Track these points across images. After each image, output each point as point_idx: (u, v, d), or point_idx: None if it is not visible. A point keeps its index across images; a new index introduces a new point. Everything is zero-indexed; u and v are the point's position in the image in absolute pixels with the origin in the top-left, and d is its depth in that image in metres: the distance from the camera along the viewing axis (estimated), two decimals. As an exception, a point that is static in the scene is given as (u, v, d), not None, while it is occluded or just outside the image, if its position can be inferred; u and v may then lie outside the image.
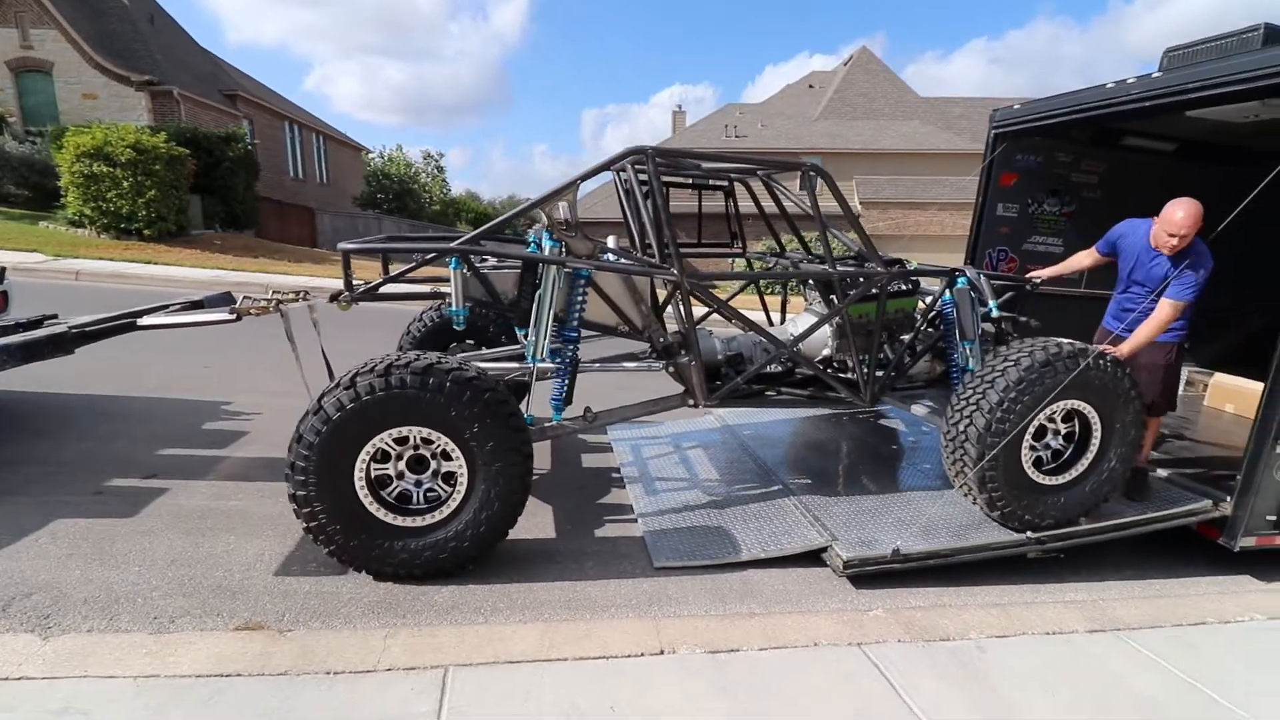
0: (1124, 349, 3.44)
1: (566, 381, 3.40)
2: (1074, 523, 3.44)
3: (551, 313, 3.18)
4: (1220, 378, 5.76)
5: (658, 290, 3.67)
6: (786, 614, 2.87)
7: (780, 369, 3.95)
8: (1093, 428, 3.38)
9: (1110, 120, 4.91)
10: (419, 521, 2.81)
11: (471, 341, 4.57)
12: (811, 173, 3.71)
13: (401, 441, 2.76)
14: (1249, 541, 3.48)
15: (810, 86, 26.47)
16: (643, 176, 3.53)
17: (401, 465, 2.81)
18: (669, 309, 3.71)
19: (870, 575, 3.20)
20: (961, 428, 3.30)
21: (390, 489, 2.82)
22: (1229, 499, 3.50)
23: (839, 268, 3.66)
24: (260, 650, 2.33)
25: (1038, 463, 3.37)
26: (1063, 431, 3.40)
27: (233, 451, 4.18)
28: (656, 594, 2.98)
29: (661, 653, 2.50)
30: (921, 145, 23.03)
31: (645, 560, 3.24)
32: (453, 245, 3.17)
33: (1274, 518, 3.51)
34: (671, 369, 3.74)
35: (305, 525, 2.67)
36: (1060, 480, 3.40)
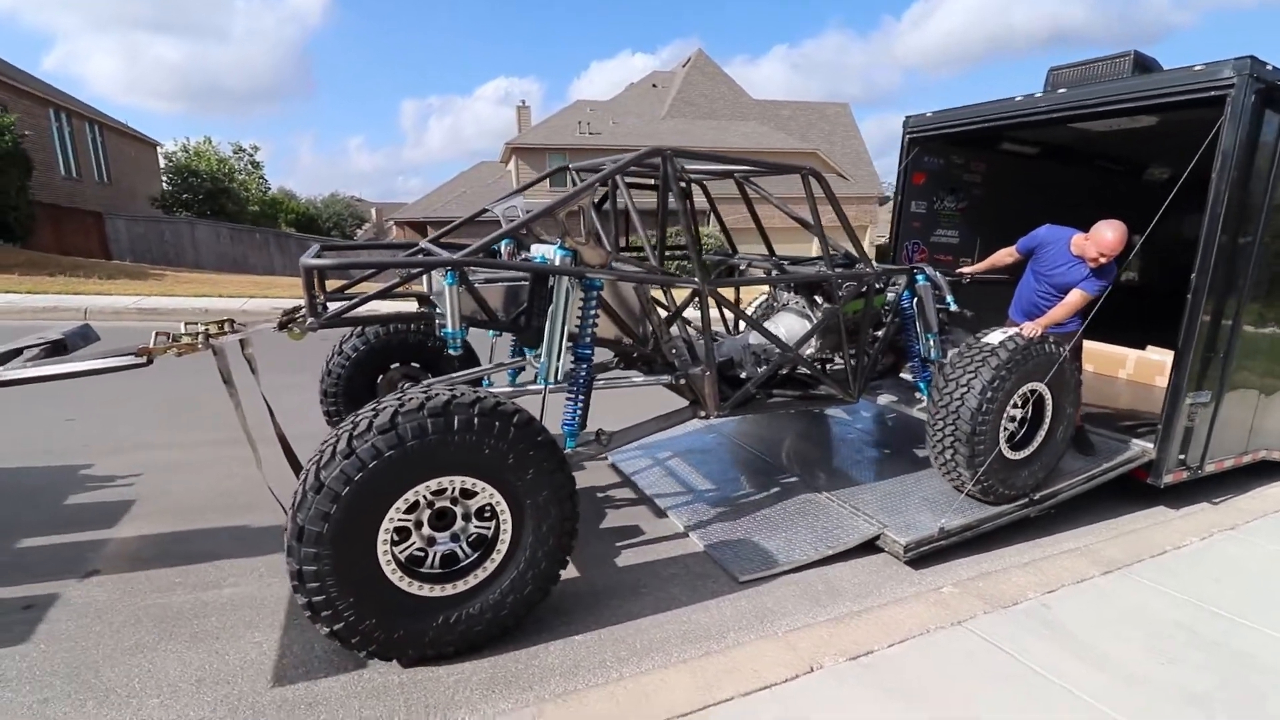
0: (1037, 326, 3.90)
1: (581, 404, 3.11)
2: (1043, 486, 3.94)
3: (565, 329, 2.93)
4: (1140, 354, 6.44)
5: (661, 298, 3.56)
6: (882, 607, 2.97)
7: (782, 373, 4.02)
8: (1046, 404, 3.80)
9: (1014, 129, 5.69)
10: (451, 589, 2.37)
11: (417, 365, 4.13)
12: (810, 176, 3.79)
13: (437, 495, 2.33)
14: (1169, 479, 4.26)
15: (654, 86, 27.30)
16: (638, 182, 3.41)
17: (426, 525, 2.38)
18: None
19: (923, 555, 3.42)
20: (950, 416, 3.54)
21: (406, 549, 2.34)
22: (1153, 445, 4.25)
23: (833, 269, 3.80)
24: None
25: (1009, 440, 3.71)
26: (1019, 412, 3.75)
27: (136, 528, 3.34)
28: (759, 609, 2.92)
29: (811, 670, 2.47)
30: (760, 144, 24.81)
31: (722, 575, 3.17)
32: (451, 258, 2.75)
33: (1182, 457, 4.32)
34: (682, 380, 3.54)
35: (308, 603, 2.14)
36: (1024, 454, 3.77)
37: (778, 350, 4.06)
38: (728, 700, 2.28)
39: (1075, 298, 3.93)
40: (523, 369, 3.80)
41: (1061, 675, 2.52)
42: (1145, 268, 8.34)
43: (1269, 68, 3.80)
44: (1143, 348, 6.47)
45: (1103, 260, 3.88)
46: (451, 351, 2.88)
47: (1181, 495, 4.56)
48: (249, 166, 22.72)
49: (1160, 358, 6.30)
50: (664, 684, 2.34)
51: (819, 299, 4.21)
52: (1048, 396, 3.77)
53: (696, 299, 3.42)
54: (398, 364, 4.07)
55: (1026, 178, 6.68)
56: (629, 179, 3.98)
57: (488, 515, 2.44)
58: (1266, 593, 3.28)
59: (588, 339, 2.98)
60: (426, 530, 2.36)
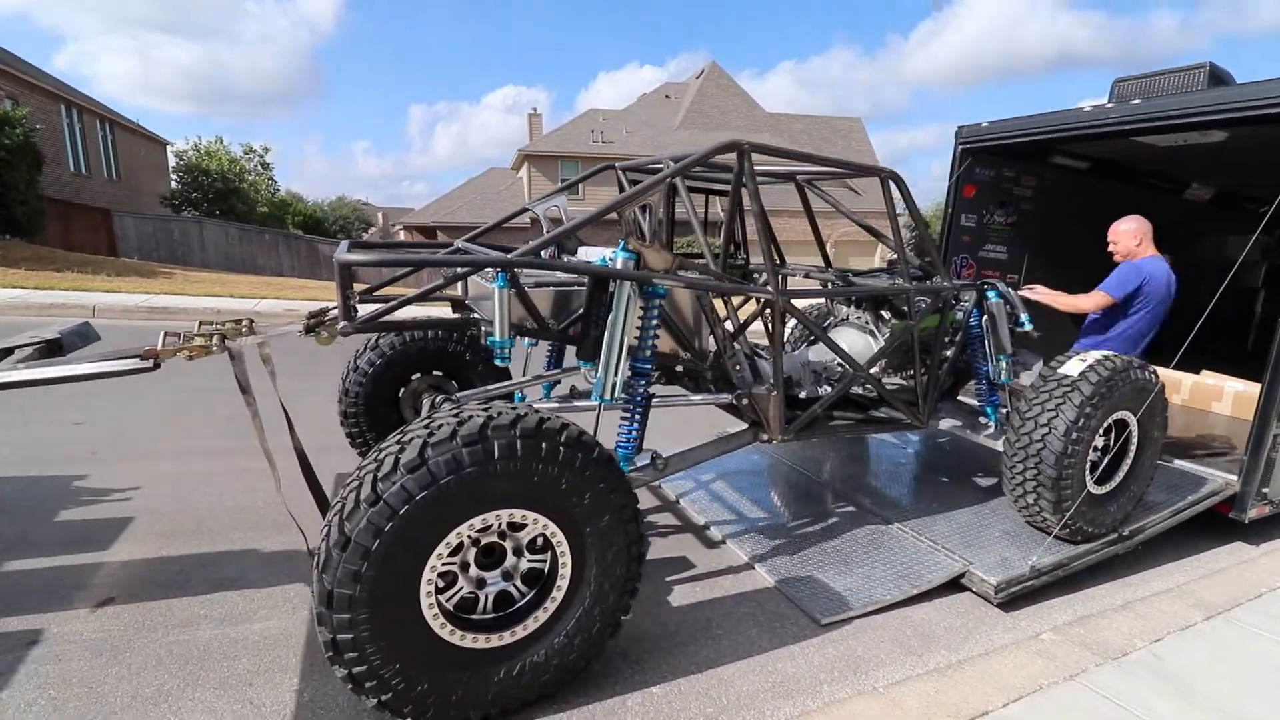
0: (1041, 296, 3.86)
1: (638, 424, 2.79)
2: (1130, 521, 3.64)
3: (625, 341, 2.55)
4: (1195, 378, 6.17)
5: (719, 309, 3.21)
6: (984, 658, 2.68)
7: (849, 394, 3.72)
8: (1132, 435, 3.50)
9: (1072, 142, 5.45)
10: (510, 636, 2.07)
11: (440, 374, 3.83)
12: (891, 179, 3.49)
13: (482, 532, 2.02)
14: (1253, 513, 3.98)
15: (666, 97, 27.18)
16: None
17: (473, 566, 2.07)
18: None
19: (1014, 596, 3.13)
20: (1030, 460, 3.24)
21: (454, 595, 2.04)
22: (1236, 478, 3.97)
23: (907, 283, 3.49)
24: None
25: (1093, 473, 3.39)
26: (1103, 440, 3.43)
27: (154, 548, 3.03)
28: (849, 657, 2.63)
29: (927, 734, 2.17)
30: (775, 159, 24.64)
31: (799, 616, 2.87)
32: (505, 258, 2.42)
33: (1265, 491, 4.05)
34: (744, 400, 3.16)
35: (349, 675, 1.83)
36: (1109, 487, 3.47)
37: (838, 369, 3.80)
38: (841, 772, 1.98)
39: (1093, 296, 4.01)
40: (558, 382, 3.55)
41: (1206, 745, 2.23)
42: (1188, 291, 8.10)
43: (1376, 79, 3.55)
44: (1197, 372, 6.21)
45: (1111, 249, 4.05)
46: (499, 363, 2.61)
47: (1260, 531, 4.28)
48: (259, 167, 22.52)
49: (1215, 383, 6.04)
50: (767, 750, 2.05)
51: (885, 314, 3.91)
52: (1134, 426, 3.48)
53: (767, 311, 3.15)
54: (420, 375, 3.78)
55: (1074, 193, 6.45)
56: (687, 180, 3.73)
57: (540, 547, 2.13)
58: (1395, 646, 2.99)
59: (648, 352, 2.69)
60: (474, 572, 2.05)
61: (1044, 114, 5.20)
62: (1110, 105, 4.74)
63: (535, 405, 2.23)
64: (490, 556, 2.08)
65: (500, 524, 2.01)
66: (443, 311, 4.00)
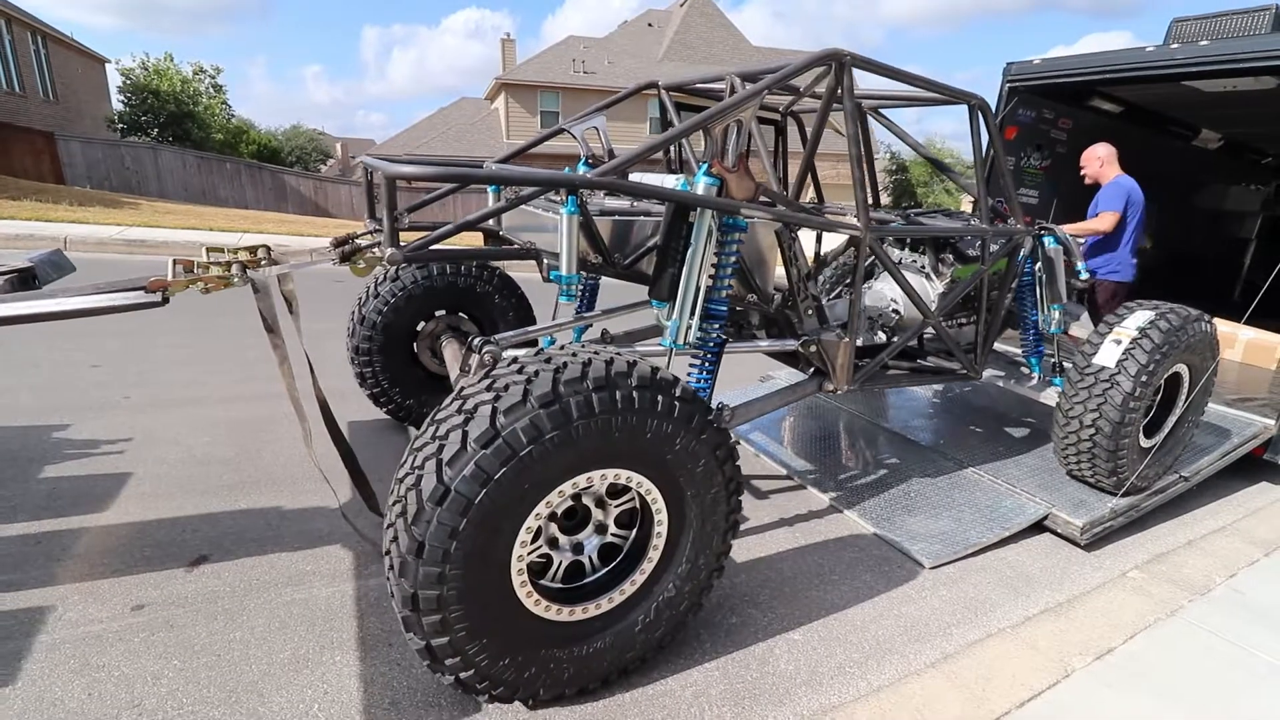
0: (1067, 228, 3.92)
1: (710, 371, 2.56)
2: (1183, 466, 3.69)
3: (704, 279, 2.27)
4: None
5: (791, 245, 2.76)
6: (1088, 596, 2.75)
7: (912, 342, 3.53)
8: (1182, 386, 3.49)
9: (1123, 83, 5.34)
10: (593, 609, 1.89)
11: (464, 315, 3.63)
12: (979, 109, 3.19)
13: (574, 493, 1.80)
14: (1285, 454, 4.16)
15: (650, 25, 25.78)
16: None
17: (561, 534, 1.91)
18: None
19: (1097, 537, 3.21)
20: (1097, 396, 3.15)
21: (538, 565, 1.87)
22: (1275, 422, 4.11)
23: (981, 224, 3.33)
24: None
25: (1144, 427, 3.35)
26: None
27: (231, 500, 2.85)
28: (965, 600, 2.66)
29: (1068, 674, 2.22)
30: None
31: (902, 559, 2.89)
32: (584, 177, 2.09)
33: (1297, 435, 4.21)
34: (812, 347, 2.88)
35: (425, 645, 1.66)
36: (1155, 440, 3.41)
37: (894, 315, 3.66)
38: (1006, 715, 2.01)
39: (1103, 219, 4.47)
40: (589, 326, 3.22)
41: (1318, 675, 2.35)
42: (1189, 237, 8.26)
43: None
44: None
45: (1085, 173, 4.71)
46: (564, 300, 2.25)
47: (1277, 473, 4.48)
48: (211, 89, 20.67)
49: (1229, 331, 6.22)
50: (928, 695, 2.05)
51: (948, 257, 3.70)
52: (1186, 377, 3.48)
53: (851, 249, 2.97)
54: (444, 311, 3.58)
55: (1103, 138, 6.40)
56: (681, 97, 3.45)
57: (628, 498, 1.95)
58: None
59: (724, 293, 2.40)
60: (565, 538, 1.89)
61: (1101, 52, 5.08)
62: (1175, 46, 4.62)
63: (615, 350, 1.89)
64: (573, 519, 1.91)
65: (600, 487, 1.83)
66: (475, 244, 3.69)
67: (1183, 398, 3.53)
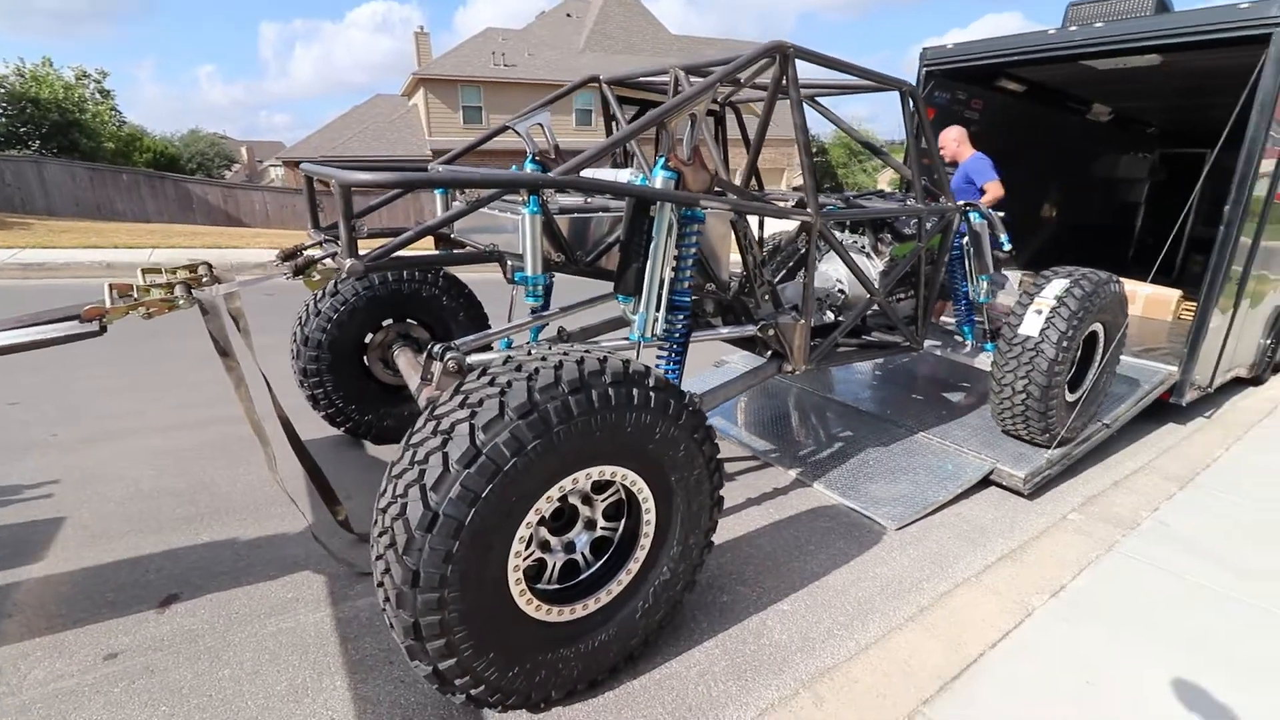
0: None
1: (677, 363, 2.56)
2: (1105, 414, 4.08)
3: (667, 271, 2.31)
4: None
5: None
6: (1035, 541, 2.99)
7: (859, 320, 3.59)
8: (1099, 343, 3.80)
9: (1028, 65, 5.72)
10: (593, 604, 1.91)
11: (414, 322, 3.51)
12: (909, 95, 3.35)
13: (560, 494, 1.77)
14: (1189, 397, 4.63)
15: (568, 15, 25.36)
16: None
17: (551, 535, 1.90)
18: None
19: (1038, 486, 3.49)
20: (1025, 363, 3.39)
21: (534, 569, 1.85)
22: (1177, 368, 4.56)
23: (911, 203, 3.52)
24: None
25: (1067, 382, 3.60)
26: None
27: (193, 534, 2.72)
28: (931, 555, 2.85)
29: (1030, 613, 2.43)
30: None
31: (870, 525, 3.06)
32: (545, 176, 2.08)
33: (1196, 379, 4.69)
34: (770, 331, 2.96)
35: (433, 669, 1.63)
36: (1079, 395, 3.72)
37: (840, 295, 3.85)
38: (982, 656, 2.18)
39: (992, 189, 4.79)
40: (546, 325, 3.16)
41: (1222, 585, 2.66)
42: (1087, 205, 8.96)
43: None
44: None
45: (945, 153, 4.98)
46: (531, 301, 2.30)
47: (1186, 413, 4.97)
48: (97, 95, 18.90)
49: (1131, 288, 6.80)
50: (912, 648, 2.20)
51: (886, 237, 3.88)
52: (1102, 334, 3.80)
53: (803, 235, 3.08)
54: (391, 320, 3.44)
55: (1009, 116, 6.84)
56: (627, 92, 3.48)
57: (613, 510, 1.98)
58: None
59: (686, 284, 2.42)
60: (557, 539, 1.90)
61: (1008, 35, 5.42)
62: (1074, 28, 4.98)
63: (585, 348, 1.89)
64: (561, 519, 1.91)
65: (585, 484, 1.82)
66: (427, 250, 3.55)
67: (1099, 354, 3.84)
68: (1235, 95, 4.16)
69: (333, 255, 2.78)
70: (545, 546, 1.87)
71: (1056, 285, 3.54)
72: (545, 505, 1.70)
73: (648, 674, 2.05)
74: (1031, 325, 3.47)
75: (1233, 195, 4.23)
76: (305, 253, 2.90)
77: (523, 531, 1.67)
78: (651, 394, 1.81)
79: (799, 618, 2.37)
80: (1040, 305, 3.49)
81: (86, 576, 2.35)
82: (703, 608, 2.38)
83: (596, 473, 1.78)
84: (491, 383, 1.66)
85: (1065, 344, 3.37)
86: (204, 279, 2.29)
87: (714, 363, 5.04)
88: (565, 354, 1.75)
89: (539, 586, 1.85)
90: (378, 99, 24.68)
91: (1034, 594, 2.54)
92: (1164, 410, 4.76)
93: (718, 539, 2.77)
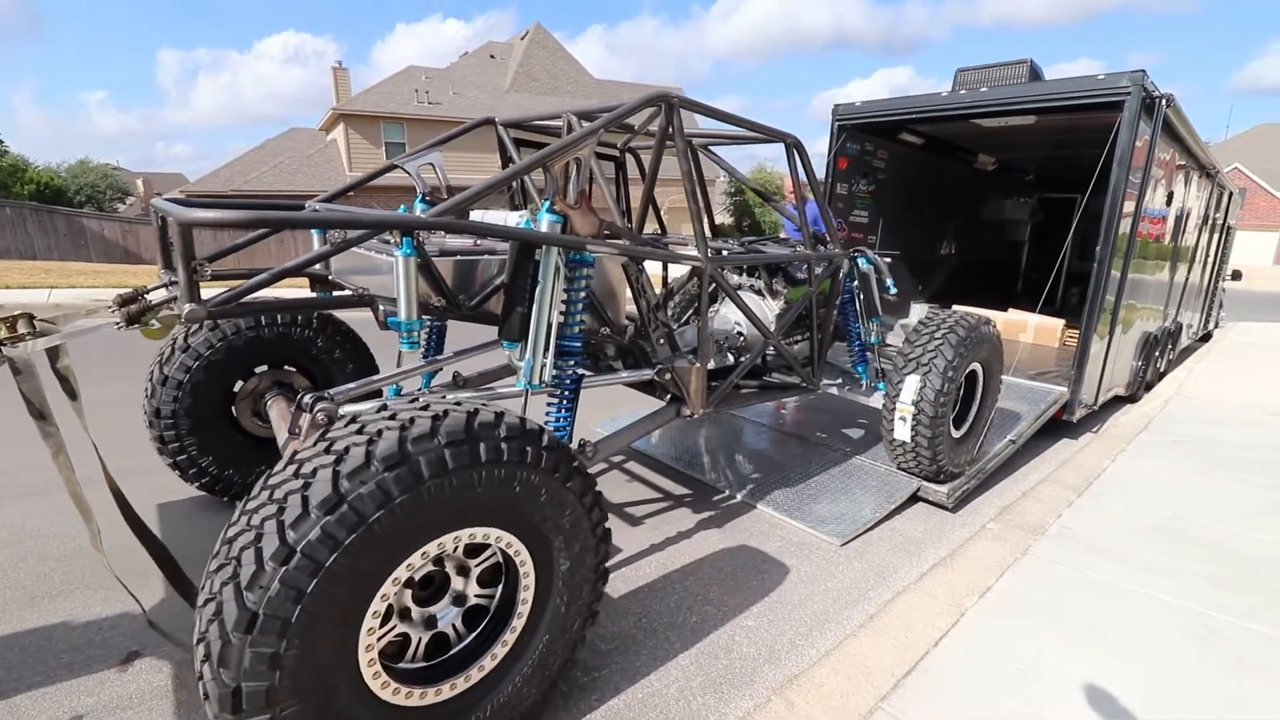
0: None
1: (568, 410, 2.51)
2: (1011, 433, 4.56)
3: (554, 316, 2.26)
4: (1005, 315, 7.47)
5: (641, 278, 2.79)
6: (962, 550, 3.32)
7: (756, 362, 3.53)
8: (978, 380, 4.04)
9: (925, 121, 6.43)
10: (453, 688, 1.74)
11: (293, 369, 3.28)
12: (795, 147, 3.49)
13: (422, 560, 1.63)
14: (1079, 414, 5.25)
15: (491, 57, 25.76)
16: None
17: (414, 604, 1.74)
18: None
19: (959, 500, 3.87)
20: (912, 400, 3.56)
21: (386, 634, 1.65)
22: (1066, 388, 5.18)
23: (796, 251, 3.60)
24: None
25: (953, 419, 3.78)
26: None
27: (153, 593, 2.63)
28: (874, 567, 3.12)
29: (964, 612, 2.71)
30: (604, 124, 24.76)
31: (818, 542, 3.31)
32: (418, 217, 2.00)
33: (1083, 397, 5.32)
34: (667, 375, 2.94)
35: None
36: (963, 431, 3.95)
37: (739, 337, 3.82)
38: (927, 654, 2.43)
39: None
40: (439, 370, 3.10)
41: (1121, 578, 3.06)
42: (979, 244, 9.97)
43: (1149, 80, 4.69)
44: (1005, 310, 7.78)
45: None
46: (406, 349, 2.06)
47: (1076, 429, 5.61)
48: (-28, 123, 17.35)
49: (1021, 318, 7.64)
50: (867, 652, 2.42)
51: (780, 280, 3.96)
52: (980, 373, 4.02)
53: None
54: (267, 367, 3.19)
55: (910, 166, 7.61)
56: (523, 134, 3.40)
57: (487, 556, 1.83)
58: (1193, 496, 4.19)
59: (577, 329, 2.38)
60: (418, 611, 1.73)
61: (909, 96, 6.08)
62: (964, 92, 5.68)
63: (453, 401, 1.75)
64: (429, 588, 1.77)
65: (455, 547, 1.69)
66: (301, 291, 3.22)
67: (980, 390, 4.10)
68: (1099, 149, 4.86)
69: (173, 299, 2.56)
70: (405, 616, 1.72)
71: (911, 385, 3.61)
72: (405, 573, 1.57)
73: (629, 691, 2.16)
74: (902, 431, 3.64)
75: (1102, 235, 4.91)
76: (147, 296, 2.63)
77: (384, 593, 1.53)
78: (544, 453, 1.72)
79: (763, 631, 2.55)
80: (903, 412, 3.62)
81: (36, 639, 2.23)
82: (675, 629, 2.51)
83: (466, 536, 1.67)
84: (360, 430, 1.56)
85: (946, 388, 3.56)
86: (24, 334, 2.00)
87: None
88: (457, 404, 1.67)
89: (400, 665, 1.71)
90: (294, 132, 24.00)
91: (965, 596, 2.84)
92: (1059, 427, 5.37)
93: (682, 563, 2.96)
